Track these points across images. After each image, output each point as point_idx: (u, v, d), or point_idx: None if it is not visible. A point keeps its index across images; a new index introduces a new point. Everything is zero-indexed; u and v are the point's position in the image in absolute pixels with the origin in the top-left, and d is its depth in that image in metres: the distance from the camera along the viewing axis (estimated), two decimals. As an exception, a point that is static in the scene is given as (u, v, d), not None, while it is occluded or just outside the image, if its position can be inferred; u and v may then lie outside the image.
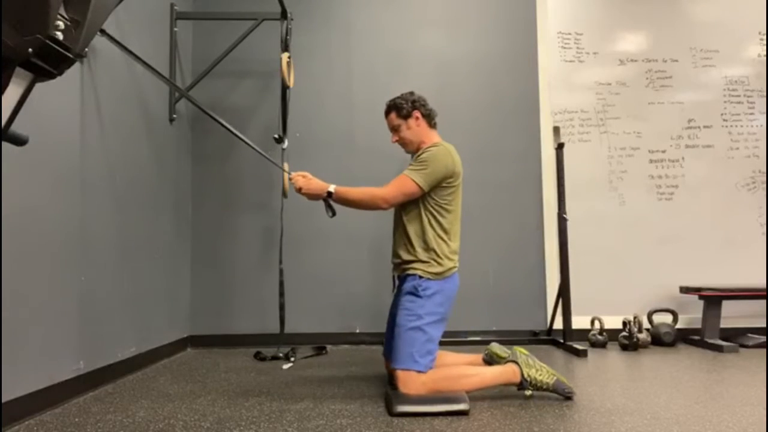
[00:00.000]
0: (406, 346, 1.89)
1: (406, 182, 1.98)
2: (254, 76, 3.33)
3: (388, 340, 2.14)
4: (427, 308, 1.94)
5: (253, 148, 2.35)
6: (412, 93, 2.14)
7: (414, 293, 1.97)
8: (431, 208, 2.01)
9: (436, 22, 3.42)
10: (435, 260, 1.99)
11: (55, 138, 1.89)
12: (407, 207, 2.05)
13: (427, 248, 2.00)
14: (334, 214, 2.09)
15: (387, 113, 2.17)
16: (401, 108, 2.11)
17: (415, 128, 2.12)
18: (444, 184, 2.01)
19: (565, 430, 1.56)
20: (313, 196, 2.04)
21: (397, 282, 2.18)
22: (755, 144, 3.46)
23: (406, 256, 2.04)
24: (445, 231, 2.02)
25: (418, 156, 2.04)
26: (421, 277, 1.98)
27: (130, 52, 2.23)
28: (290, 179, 2.08)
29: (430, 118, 2.14)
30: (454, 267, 2.03)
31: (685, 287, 3.18)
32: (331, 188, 2.01)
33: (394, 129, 2.15)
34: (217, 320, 3.18)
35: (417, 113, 2.11)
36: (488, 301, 3.24)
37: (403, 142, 2.16)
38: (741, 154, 3.46)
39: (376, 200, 1.99)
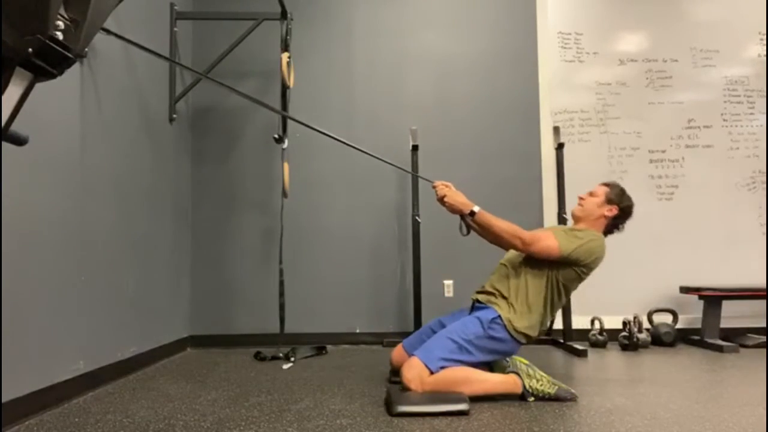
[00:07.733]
0: (438, 348, 1.91)
1: (550, 238, 1.99)
2: (254, 76, 3.33)
3: (419, 337, 2.16)
4: (480, 342, 1.94)
5: (349, 145, 2.30)
6: (630, 199, 2.16)
7: (482, 324, 1.96)
8: (558, 283, 2.02)
9: (436, 22, 3.42)
10: (526, 317, 1.99)
11: (55, 138, 1.89)
12: (539, 266, 2.03)
13: (529, 308, 2.00)
14: (469, 232, 2.09)
15: (604, 184, 2.20)
16: (613, 195, 2.14)
17: (600, 214, 2.13)
18: (576, 269, 2.01)
19: (565, 430, 1.56)
20: (455, 209, 2.05)
21: (472, 306, 2.16)
22: (755, 144, 3.46)
23: (502, 297, 2.03)
24: (552, 307, 2.05)
25: (579, 230, 2.07)
26: (500, 318, 1.97)
27: (138, 45, 2.20)
28: (433, 187, 2.10)
29: (614, 225, 2.16)
30: (530, 337, 2.01)
31: (685, 287, 3.18)
32: (476, 208, 2.02)
33: (593, 195, 2.18)
34: (217, 320, 3.18)
35: (615, 210, 2.12)
36: (488, 301, 3.24)
37: (582, 206, 2.18)
38: (741, 154, 3.46)
39: (515, 238, 1.99)
